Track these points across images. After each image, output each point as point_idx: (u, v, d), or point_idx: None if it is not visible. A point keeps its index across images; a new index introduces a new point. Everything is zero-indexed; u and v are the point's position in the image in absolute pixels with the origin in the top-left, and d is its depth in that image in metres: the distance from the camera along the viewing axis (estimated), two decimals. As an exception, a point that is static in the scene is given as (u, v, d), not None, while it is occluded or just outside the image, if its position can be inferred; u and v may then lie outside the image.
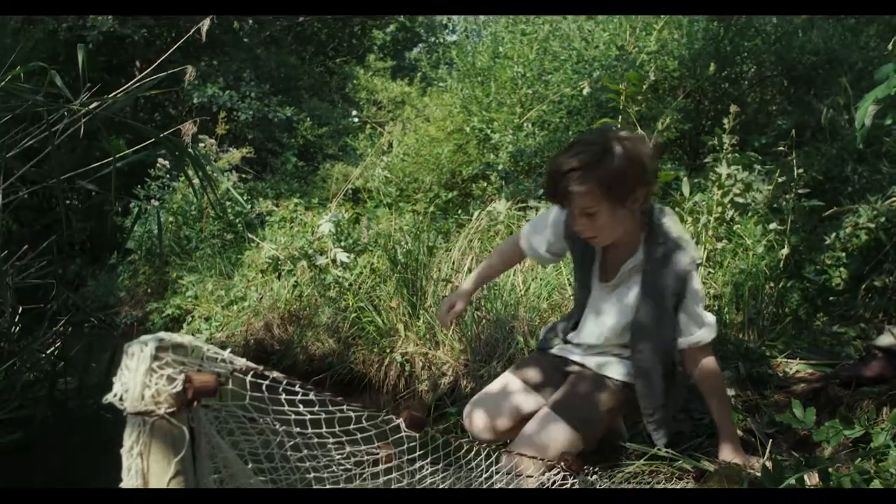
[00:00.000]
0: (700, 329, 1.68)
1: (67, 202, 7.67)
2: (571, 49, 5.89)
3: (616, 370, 1.78)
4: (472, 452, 1.32)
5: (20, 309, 3.06)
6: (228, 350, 0.91)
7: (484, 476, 1.33)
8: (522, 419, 1.78)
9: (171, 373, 0.83)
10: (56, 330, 3.04)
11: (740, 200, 3.20)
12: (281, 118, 9.52)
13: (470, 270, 3.60)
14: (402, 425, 1.09)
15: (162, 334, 0.84)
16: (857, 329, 2.85)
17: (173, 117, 10.03)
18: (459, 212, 5.25)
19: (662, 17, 5.35)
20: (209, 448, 0.92)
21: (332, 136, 9.67)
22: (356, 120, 10.24)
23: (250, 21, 11.08)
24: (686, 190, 3.32)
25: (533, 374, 1.90)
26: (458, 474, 1.27)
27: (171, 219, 6.25)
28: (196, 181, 4.25)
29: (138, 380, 0.83)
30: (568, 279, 3.41)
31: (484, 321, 3.36)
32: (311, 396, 0.98)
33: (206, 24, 3.64)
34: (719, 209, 3.19)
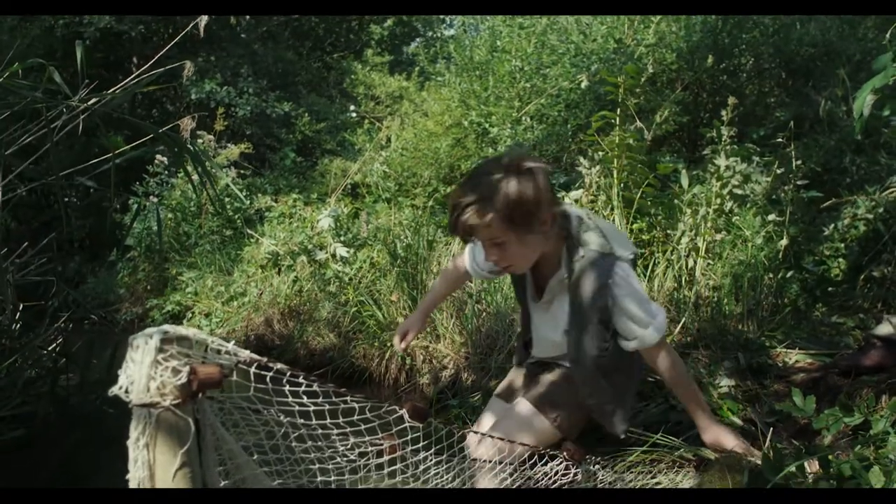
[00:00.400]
0: (644, 329, 1.63)
1: (66, 199, 7.66)
2: (569, 42, 5.89)
3: None
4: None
5: (21, 306, 3.07)
6: (232, 342, 0.92)
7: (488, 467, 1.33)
8: None
9: (175, 365, 0.83)
10: (57, 327, 3.04)
11: (739, 192, 3.21)
12: (279, 114, 9.51)
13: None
14: (406, 416, 1.10)
15: (166, 327, 0.85)
16: (856, 319, 2.86)
17: (171, 113, 10.02)
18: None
19: (660, 9, 5.35)
20: (214, 439, 0.93)
21: (331, 132, 9.66)
22: (354, 115, 10.23)
23: (247, 17, 11.06)
24: (685, 182, 3.33)
25: (512, 385, 1.98)
26: (462, 465, 1.28)
27: (170, 215, 6.25)
28: (195, 177, 4.25)
29: (143, 372, 0.83)
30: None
31: (484, 314, 3.37)
32: (315, 388, 0.99)
33: (203, 20, 3.62)
34: (718, 201, 3.20)
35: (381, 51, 11.51)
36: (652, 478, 1.58)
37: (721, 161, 3.18)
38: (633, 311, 1.63)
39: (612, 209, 3.36)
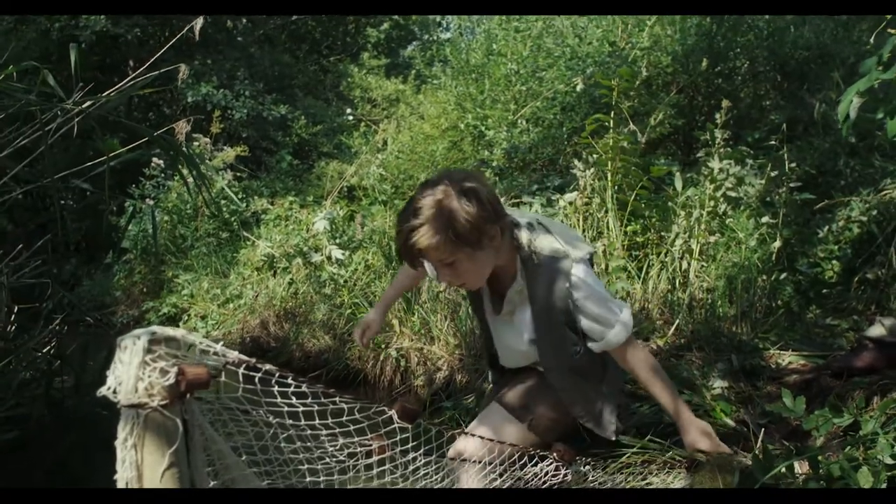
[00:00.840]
0: (610, 330, 1.61)
1: (63, 202, 7.65)
2: (565, 46, 5.90)
3: None
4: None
5: (16, 308, 3.07)
6: (220, 343, 0.92)
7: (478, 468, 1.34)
8: None
9: (163, 365, 0.83)
10: (51, 329, 3.04)
11: (732, 194, 3.22)
12: (275, 116, 9.52)
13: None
14: (395, 417, 1.10)
15: (154, 328, 0.85)
16: (850, 321, 2.87)
17: (168, 117, 10.03)
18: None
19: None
20: (203, 440, 0.93)
21: (327, 135, 9.68)
22: (350, 118, 10.25)
23: (244, 20, 11.08)
24: (679, 184, 3.34)
25: (488, 398, 1.95)
26: (451, 466, 1.28)
27: (166, 218, 6.25)
28: (191, 180, 4.25)
29: (131, 373, 0.84)
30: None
31: (479, 316, 3.37)
32: (304, 388, 0.99)
33: (199, 22, 3.63)
34: (712, 203, 3.20)
35: (377, 54, 11.56)
36: (643, 479, 1.58)
37: (715, 164, 3.19)
38: (595, 312, 1.61)
39: (607, 212, 3.37)
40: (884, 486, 1.29)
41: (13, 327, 3.02)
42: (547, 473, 1.42)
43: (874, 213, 3.23)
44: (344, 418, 1.06)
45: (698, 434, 1.63)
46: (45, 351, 2.98)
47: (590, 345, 1.66)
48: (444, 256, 1.50)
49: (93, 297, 6.08)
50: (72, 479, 2.43)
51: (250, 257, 5.04)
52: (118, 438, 0.84)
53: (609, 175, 3.40)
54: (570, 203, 3.51)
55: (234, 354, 0.93)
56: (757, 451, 1.47)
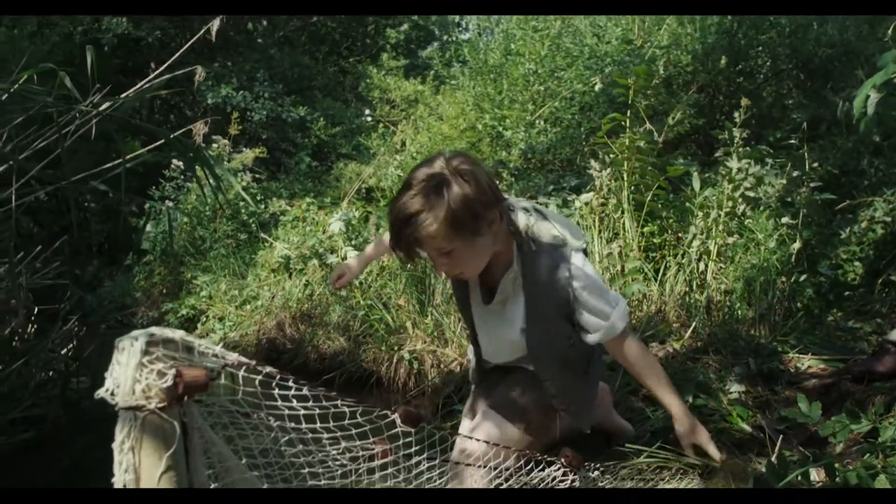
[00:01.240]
0: (606, 321, 1.57)
1: (85, 204, 7.75)
2: (583, 45, 5.87)
3: None
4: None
5: (35, 309, 3.10)
6: (220, 345, 0.91)
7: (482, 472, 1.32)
8: None
9: (161, 367, 0.83)
10: (68, 329, 3.08)
11: (751, 195, 3.16)
12: (294, 118, 9.57)
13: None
14: (398, 421, 1.09)
15: (152, 329, 0.84)
16: (871, 324, 2.81)
17: (189, 118, 10.11)
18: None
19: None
20: (202, 443, 0.92)
21: (346, 136, 9.71)
22: (369, 119, 10.27)
23: (264, 21, 11.15)
24: (696, 184, 3.29)
25: (474, 403, 1.88)
26: (455, 469, 1.27)
27: (185, 219, 6.30)
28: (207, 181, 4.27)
29: (129, 374, 0.83)
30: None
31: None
32: (305, 391, 0.98)
33: (215, 23, 3.65)
34: (730, 204, 3.15)
35: (396, 55, 11.55)
36: (655, 486, 1.55)
37: (733, 163, 3.14)
38: (593, 303, 1.56)
39: (623, 212, 3.33)
40: (902, 494, 1.26)
41: (33, 328, 3.06)
42: (554, 479, 1.40)
43: (898, 213, 3.17)
44: (346, 422, 1.05)
45: (691, 426, 1.60)
46: (62, 352, 3.01)
47: (585, 336, 1.61)
48: (441, 245, 1.42)
49: (114, 298, 6.14)
50: (86, 479, 2.44)
51: (267, 259, 5.06)
52: (115, 441, 0.83)
53: (625, 175, 3.36)
54: (586, 204, 3.47)
55: (233, 356, 0.92)
56: (773, 458, 1.44)
